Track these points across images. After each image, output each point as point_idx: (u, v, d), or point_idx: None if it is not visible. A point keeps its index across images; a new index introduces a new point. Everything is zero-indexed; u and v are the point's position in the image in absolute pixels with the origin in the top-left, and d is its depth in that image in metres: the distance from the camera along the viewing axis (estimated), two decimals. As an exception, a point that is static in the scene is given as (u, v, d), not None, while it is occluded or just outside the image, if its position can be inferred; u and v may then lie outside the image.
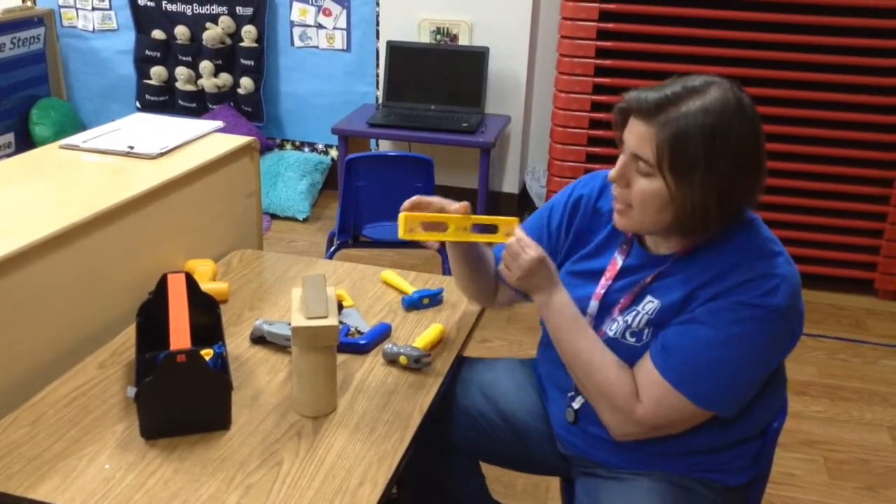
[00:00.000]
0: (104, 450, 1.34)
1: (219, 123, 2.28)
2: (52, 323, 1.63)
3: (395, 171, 2.99)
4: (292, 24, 4.39)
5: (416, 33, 4.13)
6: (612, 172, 1.39)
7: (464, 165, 4.17)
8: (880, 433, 2.72)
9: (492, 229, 1.52)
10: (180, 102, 4.57)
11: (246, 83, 4.47)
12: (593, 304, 1.49)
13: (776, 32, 3.39)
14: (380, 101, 4.23)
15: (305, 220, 4.32)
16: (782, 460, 2.54)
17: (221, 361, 1.52)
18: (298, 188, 4.33)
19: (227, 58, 4.48)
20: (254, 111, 4.53)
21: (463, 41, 4.08)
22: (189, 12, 4.46)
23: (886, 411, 2.84)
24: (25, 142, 4.48)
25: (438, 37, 4.11)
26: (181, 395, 1.36)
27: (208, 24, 4.43)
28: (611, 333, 1.45)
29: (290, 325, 1.45)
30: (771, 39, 3.40)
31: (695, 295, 1.38)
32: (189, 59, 4.51)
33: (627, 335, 1.44)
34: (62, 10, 4.66)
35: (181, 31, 4.48)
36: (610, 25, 3.51)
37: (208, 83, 4.49)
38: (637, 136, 1.34)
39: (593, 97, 3.61)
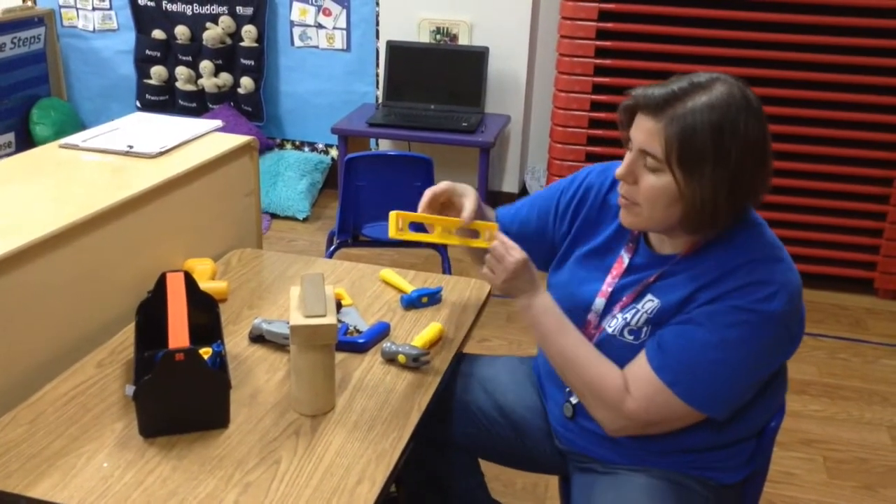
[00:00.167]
0: (103, 448, 1.35)
1: (218, 123, 2.28)
2: (52, 322, 1.63)
3: (395, 171, 3.00)
4: (292, 23, 4.39)
5: (416, 33, 4.13)
6: (620, 169, 1.39)
7: (463, 165, 4.17)
8: (879, 433, 2.73)
9: (475, 234, 1.55)
10: (180, 102, 4.57)
11: (246, 83, 4.48)
12: (599, 302, 1.49)
13: (775, 32, 3.39)
14: (380, 100, 4.23)
15: (305, 220, 4.32)
16: (781, 459, 2.55)
17: (220, 360, 1.52)
18: (298, 188, 4.33)
19: (227, 57, 4.48)
20: (254, 111, 4.54)
21: (463, 41, 4.09)
22: (189, 12, 4.46)
23: (886, 411, 2.84)
24: (26, 141, 4.49)
25: (438, 36, 4.12)
26: (180, 393, 1.36)
27: (208, 24, 4.44)
28: (609, 330, 1.46)
29: (288, 323, 1.45)
30: (770, 39, 3.40)
31: (694, 296, 1.38)
32: (189, 58, 4.51)
33: (626, 333, 1.44)
34: (62, 10, 4.66)
35: (181, 31, 4.48)
36: (609, 25, 3.51)
37: (208, 83, 4.49)
38: (644, 131, 1.34)
39: (593, 97, 3.61)
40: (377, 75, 4.33)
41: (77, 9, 4.64)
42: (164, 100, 4.62)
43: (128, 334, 1.66)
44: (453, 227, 1.55)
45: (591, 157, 3.69)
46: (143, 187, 1.84)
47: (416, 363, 1.58)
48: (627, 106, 1.40)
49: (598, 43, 3.55)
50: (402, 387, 1.54)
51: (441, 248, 3.13)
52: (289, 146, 4.67)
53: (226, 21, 4.42)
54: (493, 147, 3.74)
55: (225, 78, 4.51)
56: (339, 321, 1.70)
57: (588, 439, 1.51)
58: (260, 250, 2.16)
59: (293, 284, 1.80)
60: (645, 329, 1.42)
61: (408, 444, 1.40)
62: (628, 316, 1.44)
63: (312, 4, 4.33)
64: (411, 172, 2.93)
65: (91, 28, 4.66)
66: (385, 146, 4.31)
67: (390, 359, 1.61)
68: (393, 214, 1.51)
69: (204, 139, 2.18)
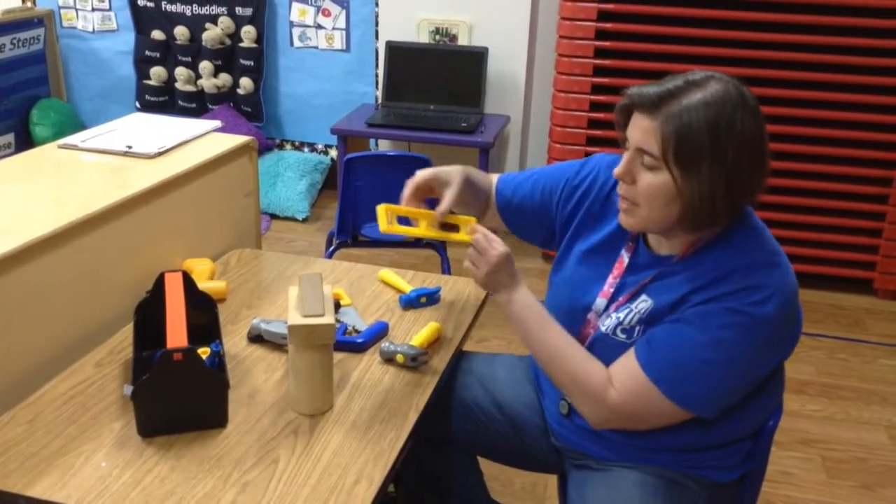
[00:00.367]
0: (101, 447, 1.35)
1: (217, 123, 2.28)
2: (50, 321, 1.63)
3: (394, 171, 2.98)
4: (292, 24, 4.40)
5: (416, 33, 4.13)
6: (618, 169, 1.39)
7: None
8: (878, 432, 2.73)
9: (455, 228, 1.56)
10: (180, 103, 4.57)
11: (245, 83, 4.48)
12: (600, 302, 1.50)
13: (774, 32, 3.40)
14: (379, 101, 4.24)
15: (305, 220, 4.32)
16: (780, 459, 2.55)
17: (218, 360, 1.52)
18: (298, 188, 4.33)
19: (226, 58, 4.49)
20: (253, 111, 4.54)
21: (462, 41, 4.09)
22: (188, 13, 4.47)
23: (884, 410, 2.85)
24: (25, 142, 4.49)
25: (437, 37, 4.12)
26: (178, 393, 1.37)
27: (208, 25, 4.44)
28: (603, 329, 1.46)
29: (286, 323, 1.45)
30: (769, 39, 3.41)
31: (688, 298, 1.38)
32: (189, 59, 4.52)
33: (618, 332, 1.44)
34: (62, 11, 4.67)
35: (181, 32, 4.49)
36: (608, 25, 3.52)
37: (208, 83, 4.49)
38: (641, 130, 1.34)
39: (592, 97, 3.62)
40: (376, 76, 4.33)
41: (76, 10, 4.64)
42: (164, 100, 4.62)
43: (126, 334, 1.66)
44: (437, 220, 1.55)
45: (590, 158, 3.69)
46: (142, 187, 1.84)
47: (414, 363, 1.59)
48: (623, 105, 1.40)
49: (597, 43, 3.55)
50: (400, 386, 1.54)
51: (440, 248, 3.13)
52: (288, 147, 4.67)
53: (225, 22, 4.43)
54: (492, 147, 3.74)
55: (224, 78, 4.52)
56: (338, 321, 1.70)
57: (583, 436, 1.51)
58: (259, 250, 2.16)
59: (292, 284, 1.80)
60: (637, 328, 1.43)
61: (405, 443, 1.40)
62: (621, 315, 1.44)
63: (312, 5, 4.34)
64: (410, 173, 2.89)
65: (90, 29, 4.66)
66: (384, 146, 4.32)
67: (388, 359, 1.61)
68: (381, 209, 1.52)
69: (203, 139, 2.18)
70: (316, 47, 4.41)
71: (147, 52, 4.57)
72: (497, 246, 1.47)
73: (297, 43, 4.43)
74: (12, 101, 4.46)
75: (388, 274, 1.94)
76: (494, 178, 1.73)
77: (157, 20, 4.53)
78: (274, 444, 1.37)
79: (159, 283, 1.59)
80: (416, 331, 1.70)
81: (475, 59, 3.98)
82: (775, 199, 3.55)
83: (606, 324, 1.46)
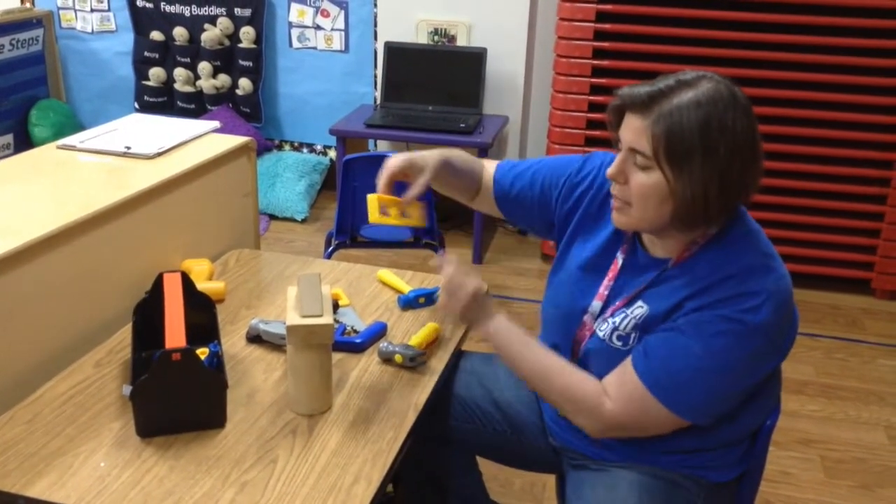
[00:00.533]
0: (100, 448, 1.35)
1: (215, 123, 2.29)
2: (49, 322, 1.63)
3: (393, 172, 2.99)
4: (290, 25, 4.40)
5: (414, 34, 4.14)
6: (610, 169, 1.39)
7: (462, 166, 4.17)
8: (877, 432, 2.73)
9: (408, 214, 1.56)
10: (179, 104, 4.57)
11: (244, 84, 4.48)
12: (596, 304, 1.50)
13: (773, 33, 3.40)
14: (378, 101, 4.24)
15: (304, 221, 4.33)
16: (778, 459, 2.55)
17: (217, 360, 1.52)
18: (297, 189, 4.33)
19: (225, 59, 4.49)
20: (252, 112, 4.54)
21: (461, 42, 4.09)
22: (187, 13, 4.47)
23: (883, 410, 2.85)
24: (24, 143, 4.49)
25: (436, 38, 4.12)
26: (177, 393, 1.37)
27: (207, 26, 4.44)
28: (600, 334, 1.46)
29: (285, 323, 1.46)
30: (768, 40, 3.41)
31: (682, 305, 1.38)
32: (188, 60, 4.52)
33: (614, 338, 1.44)
34: (61, 12, 4.67)
35: (180, 33, 4.49)
36: (607, 26, 3.52)
37: (207, 84, 4.50)
38: (632, 130, 1.34)
39: (591, 98, 3.62)
40: (375, 76, 4.34)
41: (75, 10, 4.64)
42: (163, 101, 4.62)
43: (125, 334, 1.67)
44: (401, 207, 1.54)
45: (588, 158, 3.69)
46: (141, 188, 1.84)
47: (412, 363, 1.59)
48: (615, 106, 1.40)
49: (595, 44, 3.55)
50: (398, 387, 1.54)
51: (439, 249, 3.13)
52: (287, 147, 4.67)
53: (224, 22, 4.43)
54: (491, 148, 3.74)
55: (223, 79, 4.52)
56: (337, 321, 1.71)
57: (581, 437, 1.51)
58: (257, 251, 2.16)
59: (291, 285, 1.81)
60: (633, 335, 1.43)
61: (404, 443, 1.40)
62: (617, 320, 1.44)
63: (311, 6, 4.34)
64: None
65: (89, 29, 4.66)
66: (383, 147, 4.32)
67: (387, 359, 1.61)
68: (373, 198, 1.51)
69: (202, 140, 2.18)
70: (315, 48, 4.41)
71: (146, 53, 4.57)
72: (470, 281, 1.46)
73: (295, 44, 4.43)
74: (11, 102, 4.46)
75: (386, 274, 1.94)
76: (490, 165, 1.70)
77: (155, 21, 4.53)
78: (273, 444, 1.38)
79: (158, 284, 1.59)
80: (415, 331, 1.70)
81: (474, 59, 3.98)
82: (774, 199, 3.56)
83: (603, 328, 1.46)
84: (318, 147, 4.62)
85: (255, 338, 1.67)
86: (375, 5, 4.20)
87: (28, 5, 4.69)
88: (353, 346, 1.65)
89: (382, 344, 1.63)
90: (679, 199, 1.32)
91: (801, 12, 3.35)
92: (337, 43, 4.37)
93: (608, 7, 3.49)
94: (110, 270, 1.79)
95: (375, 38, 4.26)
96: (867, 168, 3.50)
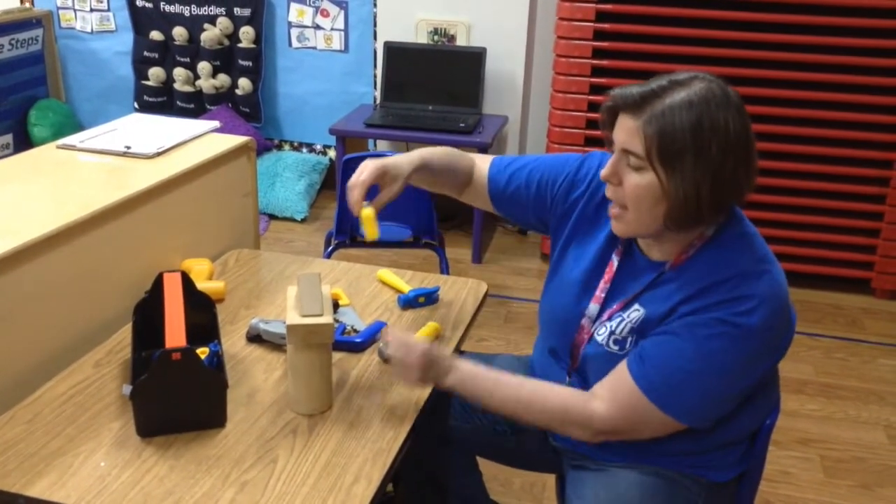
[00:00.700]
0: (100, 447, 1.35)
1: (215, 123, 2.28)
2: (49, 322, 1.63)
3: (393, 171, 3.00)
4: (290, 24, 4.40)
5: (414, 34, 4.14)
6: (604, 171, 1.39)
7: (461, 166, 4.17)
8: (876, 432, 2.73)
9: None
10: (178, 103, 4.57)
11: (244, 84, 4.48)
12: (593, 308, 1.50)
13: (773, 32, 3.40)
14: (377, 101, 4.24)
15: (303, 221, 4.32)
16: (778, 458, 2.55)
17: (217, 360, 1.52)
18: (296, 189, 4.33)
19: (225, 59, 4.49)
20: (252, 112, 4.54)
21: (460, 42, 4.09)
22: (187, 13, 4.47)
23: (883, 410, 2.85)
24: (24, 143, 4.49)
25: (436, 37, 4.12)
26: (177, 393, 1.37)
27: (206, 25, 4.44)
28: (598, 339, 1.46)
29: (285, 323, 1.46)
30: (768, 39, 3.41)
31: (677, 308, 1.38)
32: (187, 60, 4.52)
33: (611, 342, 1.44)
34: (60, 12, 4.66)
35: (179, 33, 4.49)
36: (606, 26, 3.52)
37: (206, 84, 4.50)
38: (625, 130, 1.34)
39: (590, 97, 3.62)
40: (375, 76, 4.34)
41: (75, 10, 4.64)
42: (162, 101, 4.62)
43: (125, 334, 1.66)
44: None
45: (588, 158, 3.69)
46: (141, 187, 1.84)
47: (412, 362, 1.58)
48: (608, 107, 1.39)
49: (595, 44, 3.55)
50: (398, 386, 1.54)
51: (438, 249, 3.13)
52: (287, 147, 4.67)
53: (223, 22, 4.43)
54: (490, 148, 3.74)
55: (223, 79, 4.52)
56: (336, 321, 1.70)
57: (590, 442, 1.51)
58: (257, 251, 2.16)
59: (290, 284, 1.81)
60: (630, 339, 1.43)
61: (404, 443, 1.40)
62: (613, 324, 1.44)
63: (310, 5, 4.34)
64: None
65: (89, 29, 4.66)
66: (383, 147, 4.32)
67: (387, 358, 1.61)
68: (369, 214, 1.48)
69: (201, 140, 2.18)
70: (314, 48, 4.41)
71: (145, 53, 4.57)
72: (414, 349, 1.43)
73: (295, 43, 4.43)
74: (10, 102, 4.45)
75: (386, 274, 1.94)
76: (483, 161, 1.68)
77: (155, 21, 4.53)
78: (273, 443, 1.38)
79: (158, 283, 1.59)
80: (415, 330, 1.70)
81: (473, 59, 3.98)
82: (773, 199, 3.56)
83: (601, 333, 1.46)
84: (318, 147, 4.62)
85: (255, 337, 1.67)
86: (375, 5, 4.20)
87: (27, 5, 4.69)
88: (353, 345, 1.65)
89: (382, 344, 1.62)
90: (672, 200, 1.32)
91: (801, 12, 3.35)
92: (336, 43, 4.37)
93: (608, 7, 3.49)
94: (110, 270, 1.78)
95: (375, 38, 4.26)
96: (867, 168, 3.50)
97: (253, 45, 4.42)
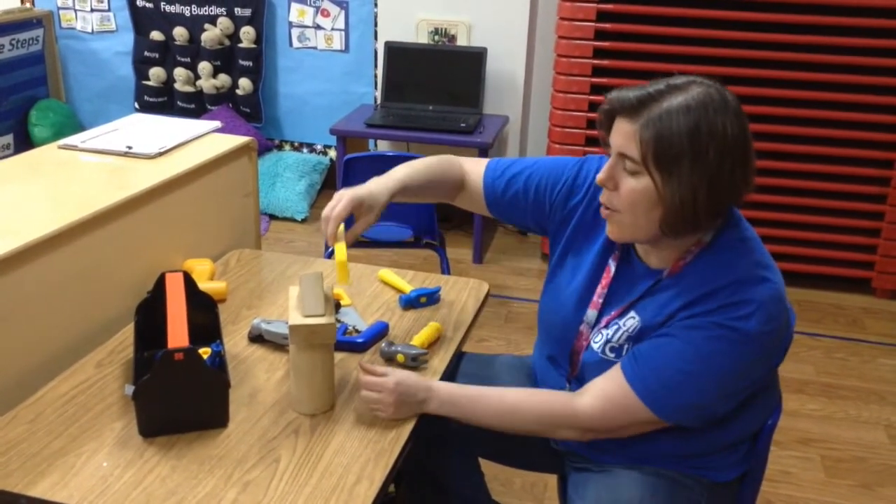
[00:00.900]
0: (102, 447, 1.35)
1: (217, 123, 2.29)
2: (51, 322, 1.63)
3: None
4: (291, 24, 4.40)
5: (415, 34, 4.14)
6: (600, 175, 1.38)
7: (462, 166, 4.17)
8: (877, 431, 2.73)
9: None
10: (179, 104, 4.57)
11: (244, 84, 4.48)
12: (591, 314, 1.49)
13: (773, 32, 3.40)
14: (378, 101, 4.24)
15: (304, 221, 4.33)
16: (779, 458, 2.55)
17: (219, 360, 1.52)
18: (297, 189, 4.33)
19: (225, 59, 4.49)
20: (252, 112, 4.54)
21: (461, 42, 4.09)
22: (187, 13, 4.47)
23: (883, 410, 2.85)
24: (24, 143, 4.49)
25: (437, 37, 4.12)
26: (179, 393, 1.37)
27: (207, 26, 4.44)
28: (595, 346, 1.46)
29: (287, 323, 1.46)
30: (768, 39, 3.41)
31: (675, 315, 1.37)
32: (188, 60, 4.52)
33: (607, 350, 1.44)
34: (61, 12, 4.66)
35: (180, 33, 4.49)
36: (607, 26, 3.52)
37: (207, 84, 4.50)
38: (622, 134, 1.33)
39: (591, 97, 3.62)
40: (375, 76, 4.34)
41: (75, 10, 4.64)
42: (163, 101, 4.62)
43: (127, 334, 1.67)
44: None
45: (589, 158, 3.69)
46: (143, 188, 1.84)
47: (414, 363, 1.59)
48: (605, 111, 1.38)
49: (596, 43, 3.55)
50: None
51: (439, 249, 3.13)
52: (287, 147, 4.67)
53: (224, 22, 4.43)
54: (491, 148, 3.74)
55: (223, 79, 4.52)
56: (338, 321, 1.71)
57: (582, 441, 1.51)
58: (258, 251, 2.16)
59: (292, 284, 1.81)
60: (626, 346, 1.43)
61: (406, 443, 1.40)
62: (610, 332, 1.44)
63: (311, 5, 4.34)
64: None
65: (89, 29, 4.66)
66: (383, 147, 4.32)
67: (389, 358, 1.61)
68: (342, 259, 1.43)
69: (203, 140, 2.19)
70: (315, 48, 4.41)
71: (146, 53, 4.57)
72: (386, 383, 1.42)
73: (296, 43, 4.43)
74: (11, 102, 4.45)
75: (387, 274, 1.94)
76: (477, 166, 1.67)
77: (155, 21, 4.53)
78: (275, 443, 1.38)
79: (160, 284, 1.60)
80: (417, 330, 1.70)
81: (474, 59, 3.98)
82: (773, 198, 3.56)
83: (597, 340, 1.46)
84: (319, 147, 4.62)
85: (257, 337, 1.68)
86: (376, 5, 4.20)
87: (28, 5, 4.69)
88: (354, 345, 1.65)
89: (384, 344, 1.63)
90: (668, 204, 1.31)
91: (802, 12, 3.35)
92: (337, 43, 4.37)
93: (609, 6, 3.49)
94: (111, 270, 1.79)
95: (376, 38, 4.26)
96: (867, 167, 3.50)
97: (253, 45, 4.42)
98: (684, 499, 1.45)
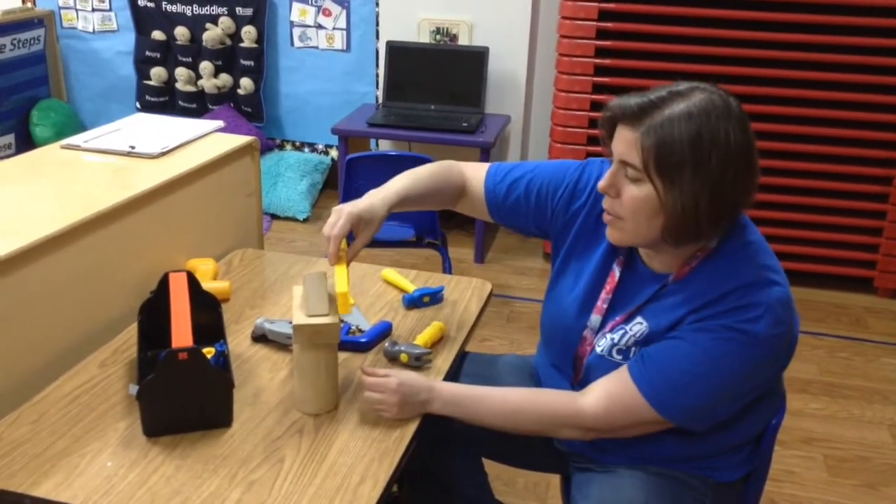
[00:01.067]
0: (106, 447, 1.35)
1: (219, 123, 2.28)
2: (54, 322, 1.63)
3: (395, 171, 2.95)
4: (292, 24, 4.40)
5: (416, 33, 4.14)
6: (602, 182, 1.37)
7: (464, 165, 4.17)
8: (880, 431, 2.73)
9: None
10: (180, 103, 4.57)
11: (246, 84, 4.48)
12: (595, 319, 1.49)
13: (776, 32, 3.40)
14: (380, 101, 4.24)
15: (306, 221, 4.32)
16: (782, 458, 2.55)
17: (223, 359, 1.52)
18: (299, 188, 4.33)
19: (227, 58, 4.49)
20: (254, 112, 4.54)
21: (463, 41, 4.09)
22: (189, 13, 4.47)
23: (886, 409, 2.85)
24: (26, 143, 4.49)
25: (438, 37, 4.12)
26: (183, 392, 1.37)
27: (208, 25, 4.44)
28: (598, 350, 1.46)
29: (291, 323, 1.45)
30: (771, 38, 3.41)
31: (683, 320, 1.37)
32: (189, 59, 4.51)
33: (614, 353, 1.44)
34: (62, 12, 4.66)
35: (181, 32, 4.49)
36: (609, 25, 3.52)
37: (208, 84, 4.49)
38: (623, 142, 1.32)
39: (593, 96, 3.62)
40: (377, 76, 4.33)
41: (77, 10, 4.64)
42: (164, 101, 4.62)
43: (131, 334, 1.67)
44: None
45: (591, 157, 3.69)
46: (145, 187, 1.84)
47: (418, 362, 1.59)
48: (607, 118, 1.38)
49: (597, 43, 3.55)
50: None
51: (441, 248, 3.13)
52: (289, 147, 4.67)
53: (225, 22, 4.43)
54: (493, 147, 3.74)
55: (225, 79, 4.52)
56: (342, 321, 1.70)
57: (585, 441, 1.50)
58: (261, 251, 2.16)
59: (295, 284, 1.80)
60: (633, 350, 1.42)
61: (410, 442, 1.40)
62: (616, 336, 1.44)
63: (312, 5, 4.34)
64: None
65: (91, 29, 4.66)
66: (385, 146, 4.32)
67: (392, 358, 1.61)
68: (344, 291, 1.40)
69: (205, 140, 2.18)
70: (316, 47, 4.41)
71: (147, 53, 4.56)
72: (388, 383, 1.42)
73: (297, 43, 4.43)
74: (12, 102, 4.45)
75: (391, 273, 1.94)
76: (477, 171, 1.66)
77: (157, 20, 4.53)
78: (279, 443, 1.37)
79: (164, 283, 1.59)
80: (420, 330, 1.70)
81: (476, 58, 3.98)
82: (776, 198, 3.55)
83: (602, 344, 1.45)
84: (320, 146, 4.62)
85: (261, 337, 1.67)
86: (377, 4, 4.20)
87: (29, 5, 4.69)
88: (358, 345, 1.65)
89: (388, 343, 1.63)
90: (669, 212, 1.30)
91: (804, 11, 3.35)
92: (338, 42, 4.37)
93: (610, 6, 3.49)
94: (115, 270, 1.78)
95: (377, 38, 4.26)
96: (870, 166, 3.50)
97: (255, 45, 4.42)
98: (688, 499, 1.45)
